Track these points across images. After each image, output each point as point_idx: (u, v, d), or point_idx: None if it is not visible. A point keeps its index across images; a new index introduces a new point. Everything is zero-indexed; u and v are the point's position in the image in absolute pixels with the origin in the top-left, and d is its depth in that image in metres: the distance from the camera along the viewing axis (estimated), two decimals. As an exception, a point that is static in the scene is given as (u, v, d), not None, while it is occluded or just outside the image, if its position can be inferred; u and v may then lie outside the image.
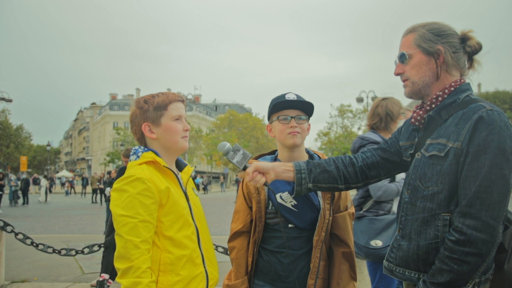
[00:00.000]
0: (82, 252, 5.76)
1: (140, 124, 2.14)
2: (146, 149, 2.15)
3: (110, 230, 6.51)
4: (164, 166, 2.07)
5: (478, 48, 1.92)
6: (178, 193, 2.10)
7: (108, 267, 6.03)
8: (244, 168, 2.09)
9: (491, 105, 1.77)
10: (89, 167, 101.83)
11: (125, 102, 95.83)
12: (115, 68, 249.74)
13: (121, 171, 7.08)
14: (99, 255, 6.10)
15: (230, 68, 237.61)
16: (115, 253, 1.93)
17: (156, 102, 2.12)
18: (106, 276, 5.96)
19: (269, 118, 2.45)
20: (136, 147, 2.18)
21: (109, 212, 12.22)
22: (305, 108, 2.37)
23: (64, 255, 5.79)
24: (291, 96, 2.35)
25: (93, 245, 5.84)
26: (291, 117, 2.33)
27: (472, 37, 1.92)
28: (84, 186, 36.63)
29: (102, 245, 5.90)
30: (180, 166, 2.32)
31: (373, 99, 40.45)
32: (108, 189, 8.48)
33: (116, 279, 1.93)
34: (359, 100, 40.75)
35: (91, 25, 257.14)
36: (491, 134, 1.68)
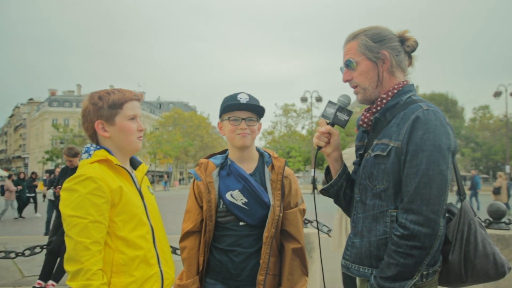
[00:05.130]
0: (23, 254, 5.49)
1: (93, 121, 2.08)
2: (98, 147, 2.09)
3: (54, 232, 6.30)
4: (117, 164, 2.03)
5: (415, 46, 2.03)
6: (132, 192, 2.07)
7: (47, 274, 5.83)
8: (332, 123, 2.08)
9: (428, 105, 1.87)
10: (26, 165, 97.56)
11: (65, 98, 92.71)
12: (54, 62, 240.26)
13: (63, 171, 6.88)
14: (39, 257, 5.88)
15: (175, 66, 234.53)
16: (65, 255, 1.88)
17: (111, 100, 2.07)
18: (43, 283, 5.76)
19: (220, 116, 2.48)
20: (88, 145, 2.12)
21: (50, 212, 11.79)
22: (256, 109, 2.41)
23: (3, 258, 5.50)
24: (243, 97, 2.39)
25: (34, 247, 5.58)
26: (242, 119, 2.38)
27: (410, 37, 2.02)
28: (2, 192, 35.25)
29: (44, 247, 5.68)
30: (134, 164, 2.28)
31: (317, 99, 41.48)
32: (50, 190, 8.15)
33: (66, 282, 1.88)
34: (303, 99, 41.47)
35: (28, 16, 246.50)
36: (427, 133, 1.78)
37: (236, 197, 2.36)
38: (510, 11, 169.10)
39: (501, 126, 53.43)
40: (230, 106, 2.39)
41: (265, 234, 2.32)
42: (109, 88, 2.20)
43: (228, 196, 2.37)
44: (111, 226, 1.96)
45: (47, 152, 59.69)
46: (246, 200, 2.35)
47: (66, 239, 1.88)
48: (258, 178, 2.43)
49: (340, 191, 2.16)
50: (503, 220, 5.02)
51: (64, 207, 1.90)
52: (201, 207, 2.44)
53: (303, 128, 61.00)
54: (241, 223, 2.37)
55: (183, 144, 63.98)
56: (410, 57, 2.07)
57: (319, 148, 2.12)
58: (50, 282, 5.76)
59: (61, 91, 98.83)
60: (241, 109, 2.38)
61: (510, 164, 41.00)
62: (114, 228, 1.96)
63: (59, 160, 55.24)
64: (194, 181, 2.48)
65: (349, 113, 2.07)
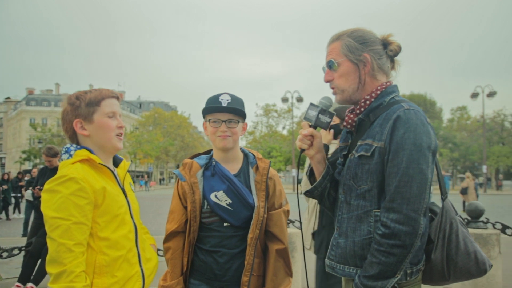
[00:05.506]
0: (0, 256, 5.39)
1: (71, 121, 2.07)
2: (79, 147, 2.07)
3: (32, 233, 6.19)
4: (99, 163, 2.01)
5: (398, 51, 2.05)
6: (115, 190, 2.05)
7: (26, 277, 5.72)
8: (314, 126, 2.07)
9: (409, 105, 1.89)
10: (3, 165, 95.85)
11: (43, 97, 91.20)
12: (32, 60, 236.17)
13: (42, 171, 6.77)
14: (17, 259, 5.77)
15: (156, 65, 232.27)
16: (47, 257, 1.85)
17: (88, 98, 2.06)
18: (22, 286, 5.66)
19: (203, 117, 2.49)
20: (68, 145, 2.08)
21: (28, 213, 11.59)
22: (238, 111, 2.41)
23: (-20, 260, 5.42)
24: (225, 99, 2.39)
25: (12, 249, 5.47)
26: (222, 121, 2.38)
27: (393, 41, 2.03)
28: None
29: (23, 248, 5.58)
30: (116, 161, 2.26)
31: (297, 99, 41.68)
32: (28, 191, 8.01)
33: (48, 284, 1.85)
34: (284, 100, 41.58)
35: (6, 13, 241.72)
36: (407, 132, 1.80)
37: (220, 198, 2.36)
38: (488, 13, 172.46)
39: (478, 126, 54.30)
40: (211, 108, 2.40)
41: (250, 235, 2.32)
42: (89, 86, 2.18)
43: (212, 197, 2.37)
44: (94, 227, 1.93)
45: (24, 152, 58.76)
46: (231, 201, 2.35)
47: (49, 241, 1.86)
48: (242, 179, 2.43)
49: (325, 192, 2.16)
50: (481, 219, 5.11)
51: (46, 208, 1.87)
52: (186, 208, 2.42)
53: (284, 128, 61.15)
54: (225, 224, 2.37)
55: (164, 144, 63.64)
56: (393, 61, 2.08)
57: (302, 150, 2.12)
58: (30, 284, 5.67)
59: (39, 90, 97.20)
60: (222, 111, 2.38)
61: (486, 164, 41.81)
62: (96, 229, 1.94)
63: (37, 160, 54.39)
64: (178, 182, 2.47)
65: (331, 115, 2.08)
